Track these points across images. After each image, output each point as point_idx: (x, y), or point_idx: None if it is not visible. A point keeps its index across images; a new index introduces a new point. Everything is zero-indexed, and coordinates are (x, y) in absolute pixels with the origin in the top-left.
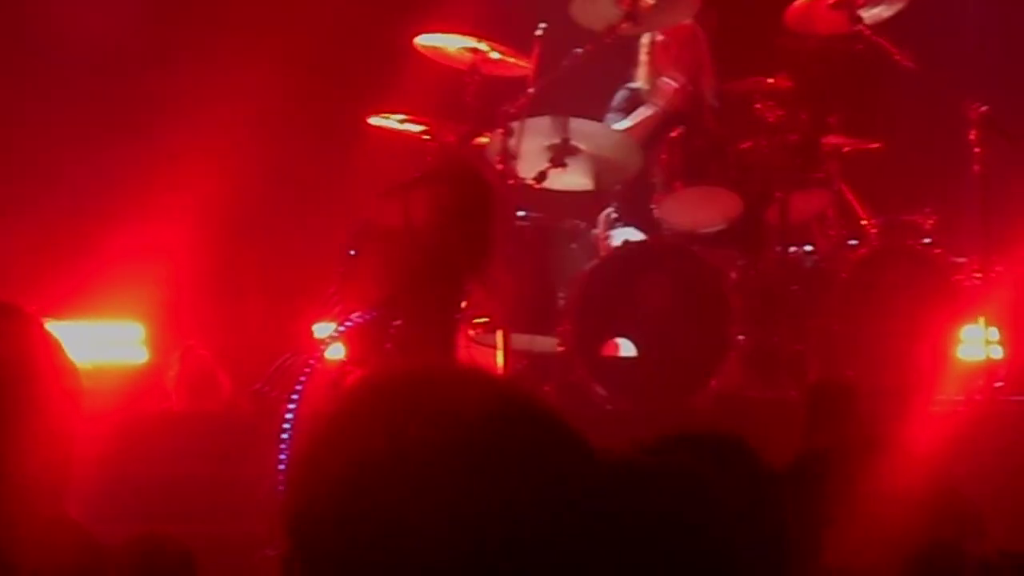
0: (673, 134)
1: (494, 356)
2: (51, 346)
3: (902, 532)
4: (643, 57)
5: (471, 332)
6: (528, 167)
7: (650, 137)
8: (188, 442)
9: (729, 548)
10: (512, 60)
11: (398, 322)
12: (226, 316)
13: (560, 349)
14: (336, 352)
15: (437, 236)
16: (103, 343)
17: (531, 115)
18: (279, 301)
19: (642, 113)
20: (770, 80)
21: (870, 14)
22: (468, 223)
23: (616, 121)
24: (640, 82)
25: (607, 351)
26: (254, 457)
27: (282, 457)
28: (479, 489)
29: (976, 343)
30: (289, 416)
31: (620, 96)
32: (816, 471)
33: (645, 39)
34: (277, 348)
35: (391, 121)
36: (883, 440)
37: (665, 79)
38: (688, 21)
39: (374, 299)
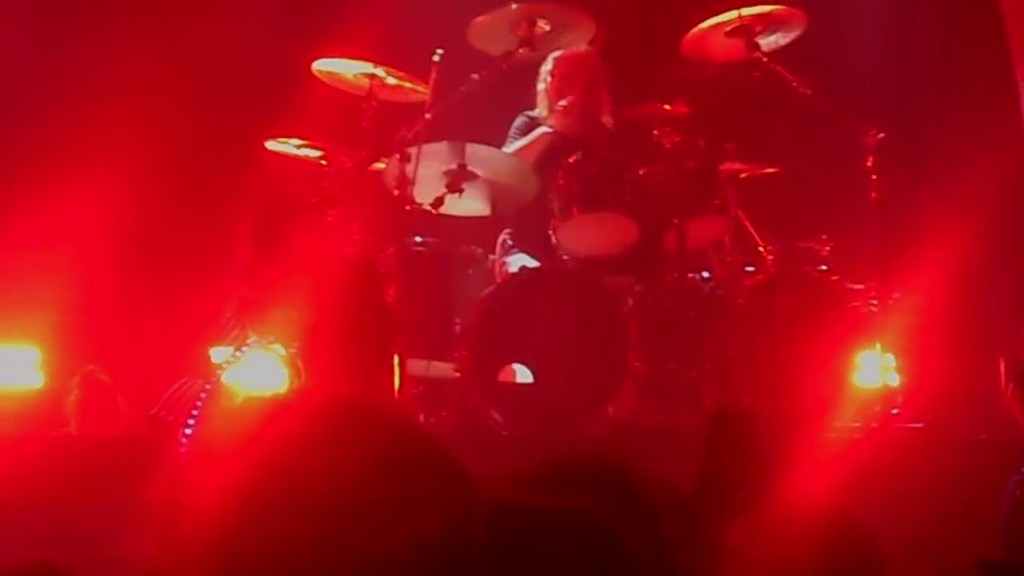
0: (570, 160)
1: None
2: None
3: (799, 560)
4: (541, 84)
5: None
6: (425, 193)
7: (546, 161)
8: (85, 467)
9: None
10: (409, 86)
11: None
12: (122, 340)
13: (457, 375)
14: (232, 376)
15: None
16: None
17: (428, 141)
18: (175, 325)
19: (535, 135)
20: (667, 106)
21: (767, 41)
22: None
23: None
24: (539, 109)
25: (504, 377)
26: (150, 481)
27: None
28: (366, 521)
29: (873, 370)
30: (185, 440)
31: (518, 123)
32: (713, 499)
33: (544, 66)
34: (173, 372)
35: (288, 146)
36: (779, 468)
37: (561, 103)
38: (584, 47)
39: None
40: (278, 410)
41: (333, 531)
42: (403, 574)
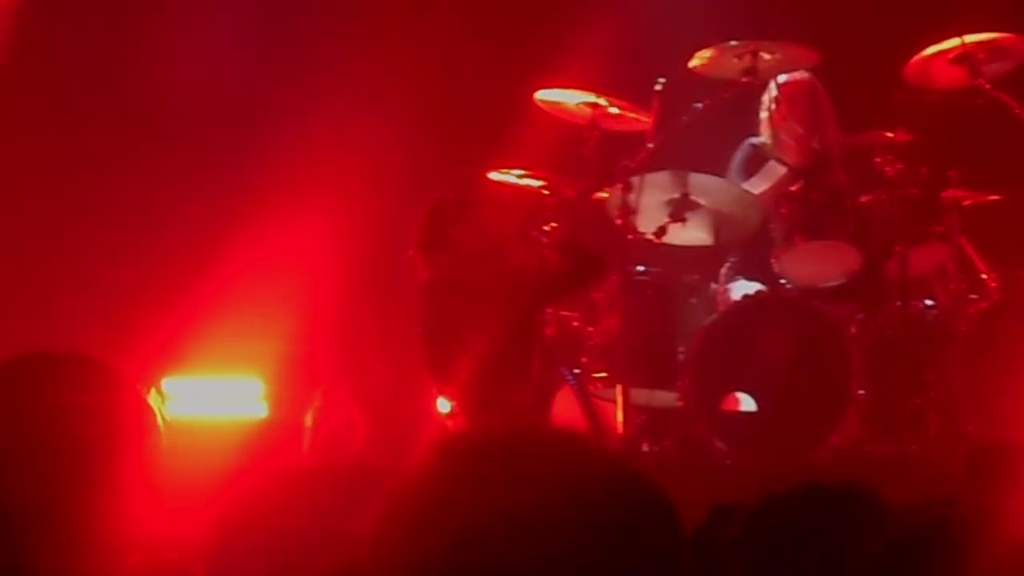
0: (793, 188)
1: (613, 410)
2: (135, 402)
3: None
4: (764, 112)
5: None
6: (647, 222)
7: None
8: (313, 496)
9: None
10: (631, 115)
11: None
12: (346, 371)
13: (680, 404)
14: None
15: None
16: (223, 398)
17: (650, 170)
18: (399, 356)
19: (772, 175)
20: (890, 134)
21: (990, 68)
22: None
23: (740, 180)
24: (763, 136)
25: (727, 405)
26: (362, 515)
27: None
28: (571, 555)
29: None
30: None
31: (742, 154)
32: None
33: (766, 93)
34: (397, 404)
35: (510, 176)
36: (1005, 499)
37: (785, 135)
38: (807, 75)
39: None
40: (472, 444)
41: (537, 566)
42: None
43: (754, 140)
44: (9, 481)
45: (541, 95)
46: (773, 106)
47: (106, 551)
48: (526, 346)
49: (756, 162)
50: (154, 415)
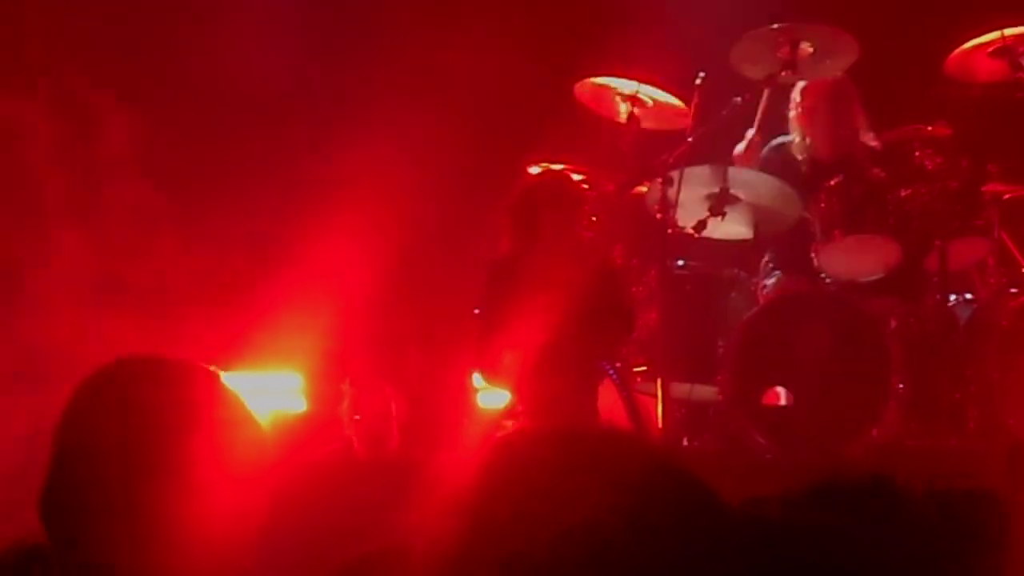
0: (832, 182)
1: (653, 404)
2: (209, 396)
3: None
4: (791, 111)
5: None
6: (687, 216)
7: (808, 184)
8: (351, 490)
9: None
10: (673, 102)
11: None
12: (384, 366)
13: (719, 398)
14: (491, 400)
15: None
16: (262, 393)
17: (690, 164)
18: (438, 350)
19: None
20: (929, 128)
21: None
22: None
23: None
24: (792, 135)
25: (766, 400)
26: (404, 507)
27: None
28: (624, 555)
29: None
30: (445, 465)
31: (767, 153)
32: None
33: (793, 94)
34: (435, 397)
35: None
36: None
37: (811, 134)
38: (836, 73)
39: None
40: (516, 438)
41: (572, 555)
42: None
43: (783, 138)
44: (88, 478)
45: (581, 88)
46: (798, 108)
47: (181, 544)
48: (581, 340)
49: (781, 161)
50: (231, 407)
